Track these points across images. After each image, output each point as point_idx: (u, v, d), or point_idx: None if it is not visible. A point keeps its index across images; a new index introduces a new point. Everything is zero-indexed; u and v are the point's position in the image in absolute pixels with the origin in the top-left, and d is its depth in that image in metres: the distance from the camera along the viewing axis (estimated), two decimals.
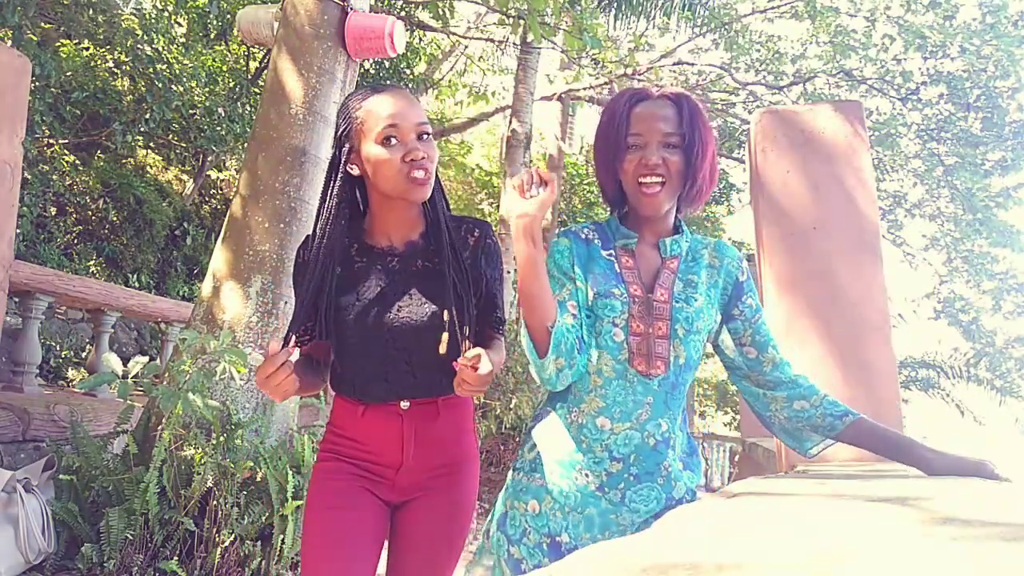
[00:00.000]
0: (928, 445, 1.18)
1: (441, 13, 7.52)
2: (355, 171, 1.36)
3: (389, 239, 1.41)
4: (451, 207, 1.50)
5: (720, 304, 1.34)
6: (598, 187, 1.42)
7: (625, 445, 1.22)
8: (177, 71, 6.95)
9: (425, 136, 1.35)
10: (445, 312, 1.33)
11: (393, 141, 1.31)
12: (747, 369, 1.34)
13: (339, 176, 1.36)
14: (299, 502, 2.74)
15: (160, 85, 6.58)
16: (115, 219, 7.38)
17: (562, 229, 1.20)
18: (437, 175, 1.41)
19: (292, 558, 2.90)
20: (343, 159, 1.36)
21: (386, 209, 1.39)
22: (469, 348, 1.29)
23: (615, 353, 1.24)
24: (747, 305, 1.34)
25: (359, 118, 1.34)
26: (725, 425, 16.13)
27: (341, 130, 1.37)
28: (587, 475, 1.23)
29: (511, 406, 5.51)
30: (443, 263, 1.36)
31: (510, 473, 1.36)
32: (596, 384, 1.25)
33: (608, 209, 1.42)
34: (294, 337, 1.29)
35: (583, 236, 1.35)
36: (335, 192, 1.36)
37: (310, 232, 1.41)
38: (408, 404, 1.37)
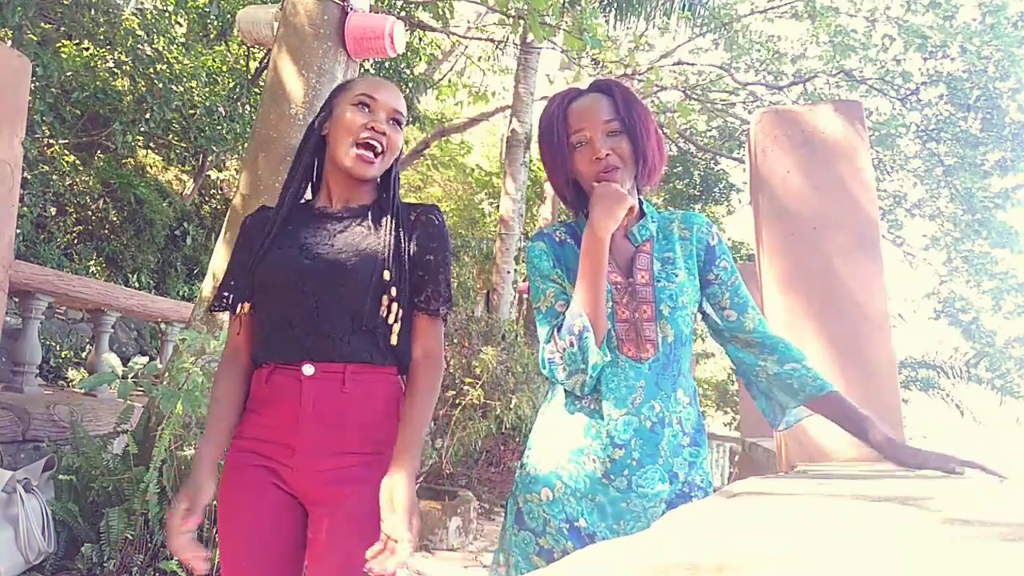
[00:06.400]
0: (886, 431, 1.23)
1: (441, 13, 7.52)
2: (325, 131, 1.38)
3: (330, 202, 1.39)
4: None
5: (698, 272, 1.36)
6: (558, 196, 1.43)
7: (624, 431, 1.24)
8: (177, 71, 6.96)
9: (394, 122, 1.35)
10: (386, 272, 1.26)
11: (364, 109, 1.33)
12: (730, 332, 1.36)
13: (312, 137, 1.39)
14: None
15: (160, 85, 6.58)
16: (115, 219, 7.39)
17: (535, 232, 1.21)
18: (397, 171, 1.41)
19: None
20: (321, 119, 1.39)
21: (332, 181, 1.39)
22: (397, 315, 1.26)
23: (605, 343, 1.26)
24: (722, 268, 1.35)
25: (348, 86, 1.39)
26: (725, 425, 16.11)
27: (330, 95, 1.41)
28: (594, 460, 1.25)
29: (511, 406, 5.50)
30: (387, 228, 1.31)
31: (518, 472, 1.37)
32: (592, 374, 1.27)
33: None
34: (225, 301, 1.34)
35: (557, 239, 1.39)
36: (303, 154, 1.40)
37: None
38: (312, 370, 1.22)
